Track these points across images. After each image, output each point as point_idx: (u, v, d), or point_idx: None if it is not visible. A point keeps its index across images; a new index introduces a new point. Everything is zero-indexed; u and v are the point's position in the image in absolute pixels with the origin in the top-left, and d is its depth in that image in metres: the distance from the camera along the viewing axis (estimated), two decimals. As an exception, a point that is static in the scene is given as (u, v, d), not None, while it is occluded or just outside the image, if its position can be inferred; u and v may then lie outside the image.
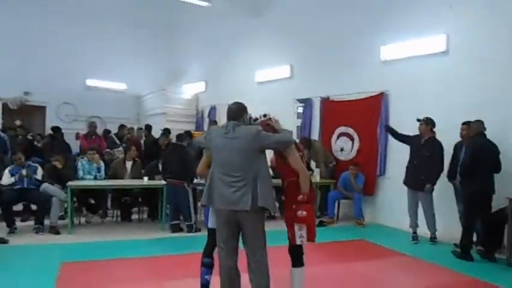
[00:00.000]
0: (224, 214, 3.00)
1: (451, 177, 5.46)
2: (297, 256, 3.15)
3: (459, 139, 5.40)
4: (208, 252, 3.34)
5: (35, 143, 8.51)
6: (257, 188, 2.94)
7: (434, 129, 5.52)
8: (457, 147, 5.37)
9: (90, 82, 13.19)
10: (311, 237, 3.08)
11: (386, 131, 6.25)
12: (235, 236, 3.05)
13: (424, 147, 5.49)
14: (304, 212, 2.98)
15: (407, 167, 5.72)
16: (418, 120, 5.55)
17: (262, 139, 2.98)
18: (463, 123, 5.32)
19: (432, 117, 5.53)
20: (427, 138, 5.50)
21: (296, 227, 3.04)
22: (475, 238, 5.01)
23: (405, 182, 5.74)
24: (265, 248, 3.06)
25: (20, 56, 11.63)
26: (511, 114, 5.18)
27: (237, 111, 3.15)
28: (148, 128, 9.56)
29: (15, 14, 11.68)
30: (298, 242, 3.05)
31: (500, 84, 5.32)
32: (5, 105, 11.63)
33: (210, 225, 3.31)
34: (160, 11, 13.07)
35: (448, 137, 5.47)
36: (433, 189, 5.48)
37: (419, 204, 5.65)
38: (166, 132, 8.41)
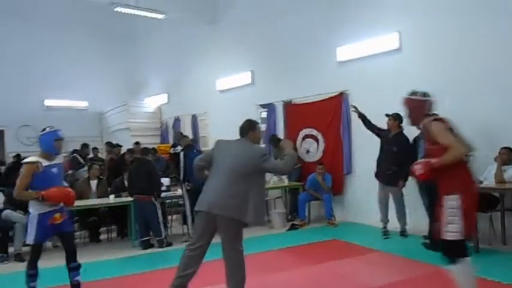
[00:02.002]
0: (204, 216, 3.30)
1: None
2: (450, 251, 2.86)
3: (416, 133, 5.53)
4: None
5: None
6: (247, 203, 3.22)
7: (402, 125, 5.59)
8: (416, 141, 5.43)
9: (49, 102, 12.84)
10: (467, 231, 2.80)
11: (359, 117, 6.04)
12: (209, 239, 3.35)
13: (392, 143, 5.58)
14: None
15: (377, 161, 5.81)
16: (387, 115, 5.62)
17: (263, 163, 3.29)
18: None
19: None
20: (395, 134, 5.60)
21: (444, 219, 2.82)
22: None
23: (376, 176, 5.84)
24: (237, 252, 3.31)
25: None
26: (466, 103, 5.36)
27: (245, 129, 3.49)
28: (110, 144, 9.38)
29: None
30: (447, 237, 2.81)
31: (453, 74, 5.55)
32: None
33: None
34: (119, 25, 12.94)
35: (408, 131, 5.64)
36: (404, 185, 5.61)
37: (390, 199, 5.76)
38: (134, 147, 8.31)
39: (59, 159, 3.75)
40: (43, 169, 3.51)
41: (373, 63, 6.59)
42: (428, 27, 5.88)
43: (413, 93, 3.19)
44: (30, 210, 3.60)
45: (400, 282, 4.02)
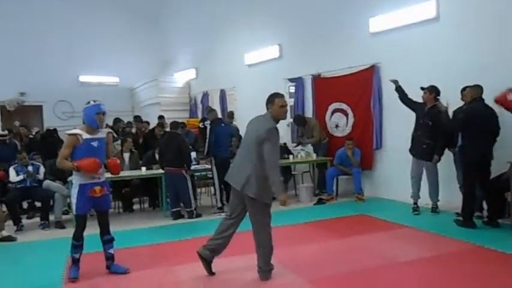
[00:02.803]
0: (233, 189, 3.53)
1: (450, 145, 5.42)
2: None
3: (453, 107, 5.30)
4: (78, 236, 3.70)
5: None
6: (250, 177, 3.32)
7: (439, 98, 5.38)
8: (456, 115, 5.22)
9: (83, 78, 13.34)
10: None
11: (396, 90, 5.78)
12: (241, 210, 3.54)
13: (427, 116, 5.38)
14: None
15: (412, 136, 5.63)
16: (422, 88, 5.43)
17: (261, 143, 3.27)
18: (463, 89, 5.15)
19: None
20: (430, 107, 5.39)
21: None
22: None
23: (411, 151, 5.68)
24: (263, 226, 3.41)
25: (13, 57, 11.75)
26: (509, 78, 4.97)
27: (266, 103, 3.48)
28: (139, 119, 9.60)
29: (3, 15, 11.71)
30: None
31: (496, 48, 5.18)
32: (2, 107, 11.67)
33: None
34: (148, 1, 13.00)
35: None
36: (439, 160, 5.46)
37: (424, 174, 5.62)
38: (161, 121, 8.45)
39: (103, 134, 3.79)
40: (83, 142, 3.61)
41: (407, 34, 6.30)
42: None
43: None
44: (73, 180, 3.73)
45: (431, 258, 3.95)
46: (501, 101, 2.75)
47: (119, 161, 4.12)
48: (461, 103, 5.18)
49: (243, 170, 3.40)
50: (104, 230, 3.85)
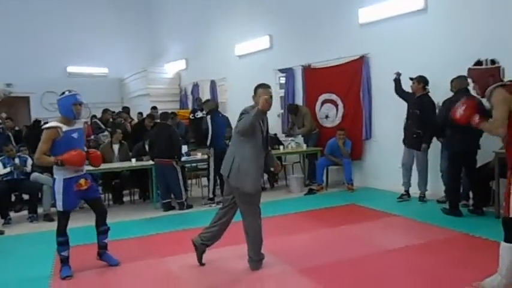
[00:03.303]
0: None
1: (438, 135, 5.49)
2: (509, 230, 2.71)
3: (442, 97, 5.35)
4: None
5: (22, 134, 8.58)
6: (231, 165, 3.39)
7: (427, 87, 5.48)
8: (445, 105, 5.24)
9: (71, 69, 13.18)
10: None
11: (394, 80, 5.82)
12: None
13: (416, 105, 5.49)
14: None
15: (404, 126, 5.73)
16: (411, 79, 5.52)
17: (238, 122, 3.33)
18: (452, 80, 5.17)
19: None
20: (418, 96, 5.49)
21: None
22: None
23: (403, 141, 5.76)
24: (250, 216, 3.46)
25: None
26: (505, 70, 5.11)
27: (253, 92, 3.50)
28: (127, 110, 9.55)
29: None
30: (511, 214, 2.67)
31: (485, 38, 5.19)
32: (-13, 99, 11.47)
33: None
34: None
35: (431, 95, 5.52)
36: (428, 148, 5.55)
37: (414, 163, 5.71)
38: (153, 112, 8.40)
39: (80, 124, 3.66)
40: (63, 134, 3.47)
41: (396, 24, 6.32)
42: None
43: (478, 62, 2.88)
44: (55, 176, 3.57)
45: (418, 245, 4.03)
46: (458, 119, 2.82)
47: (99, 153, 4.02)
48: (451, 94, 5.23)
49: (228, 159, 3.46)
50: (102, 219, 3.76)
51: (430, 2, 5.86)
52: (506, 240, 2.72)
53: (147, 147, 6.53)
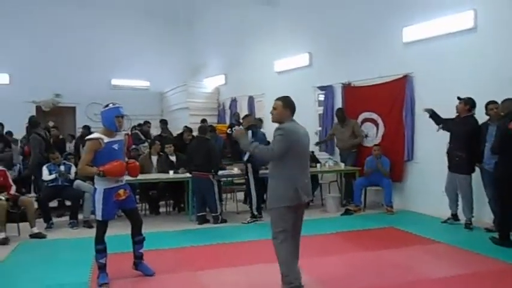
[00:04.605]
0: None
1: (477, 160, 5.24)
2: None
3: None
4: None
5: (67, 143, 9.05)
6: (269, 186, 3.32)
7: (474, 111, 5.27)
8: (483, 129, 5.14)
9: (115, 81, 13.77)
10: None
11: (430, 117, 5.76)
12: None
13: (460, 126, 5.29)
14: None
15: (447, 151, 5.50)
16: (459, 98, 5.35)
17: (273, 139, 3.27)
18: (490, 103, 5.07)
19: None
20: (463, 117, 5.30)
21: None
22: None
23: (448, 166, 5.51)
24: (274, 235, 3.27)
25: (50, 60, 12.32)
26: None
27: None
28: (164, 122, 9.70)
29: (45, 23, 12.37)
30: None
31: None
32: (38, 108, 12.17)
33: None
34: (179, 6, 13.28)
35: (479, 118, 5.28)
36: (473, 171, 5.28)
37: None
38: (203, 124, 8.50)
39: (121, 136, 3.74)
40: (105, 145, 3.55)
41: (443, 44, 6.12)
42: (509, 6, 5.32)
43: None
44: (96, 186, 3.65)
45: (465, 276, 3.78)
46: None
47: (138, 163, 4.09)
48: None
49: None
50: (137, 229, 3.83)
51: (480, 21, 5.65)
52: None
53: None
